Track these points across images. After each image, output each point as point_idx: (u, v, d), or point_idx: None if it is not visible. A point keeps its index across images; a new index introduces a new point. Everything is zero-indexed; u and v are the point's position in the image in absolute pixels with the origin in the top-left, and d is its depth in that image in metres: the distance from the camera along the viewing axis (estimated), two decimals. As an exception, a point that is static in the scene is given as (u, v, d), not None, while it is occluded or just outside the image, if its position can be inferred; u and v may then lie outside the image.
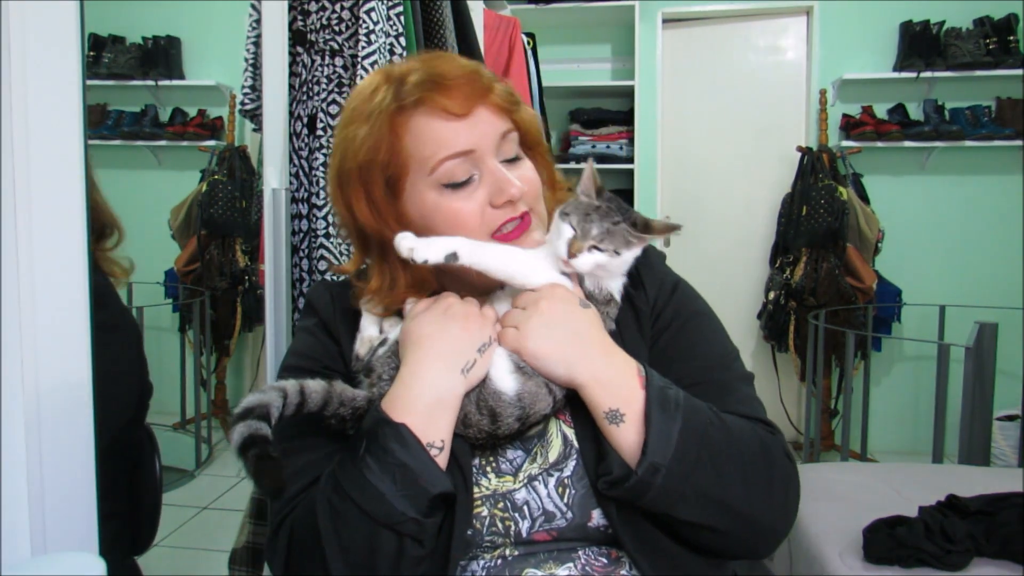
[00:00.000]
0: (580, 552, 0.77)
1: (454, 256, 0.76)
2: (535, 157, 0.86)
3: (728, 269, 3.75)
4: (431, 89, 0.77)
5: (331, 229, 1.37)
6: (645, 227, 0.78)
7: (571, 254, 0.76)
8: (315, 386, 0.74)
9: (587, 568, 0.75)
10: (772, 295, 3.45)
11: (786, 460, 0.76)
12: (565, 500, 0.76)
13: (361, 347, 0.82)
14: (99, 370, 0.80)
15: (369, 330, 0.83)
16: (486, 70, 0.82)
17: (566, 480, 0.76)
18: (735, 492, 0.71)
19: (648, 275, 0.86)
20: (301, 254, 1.39)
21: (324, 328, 0.87)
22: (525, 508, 0.76)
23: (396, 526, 0.67)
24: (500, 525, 0.75)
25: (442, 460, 0.71)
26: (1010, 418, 3.06)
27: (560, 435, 0.78)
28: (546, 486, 0.76)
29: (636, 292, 0.84)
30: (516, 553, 0.76)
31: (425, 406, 0.71)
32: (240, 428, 0.68)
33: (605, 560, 0.76)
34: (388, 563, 0.68)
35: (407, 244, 0.77)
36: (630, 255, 0.78)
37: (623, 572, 0.75)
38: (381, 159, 0.78)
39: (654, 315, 0.84)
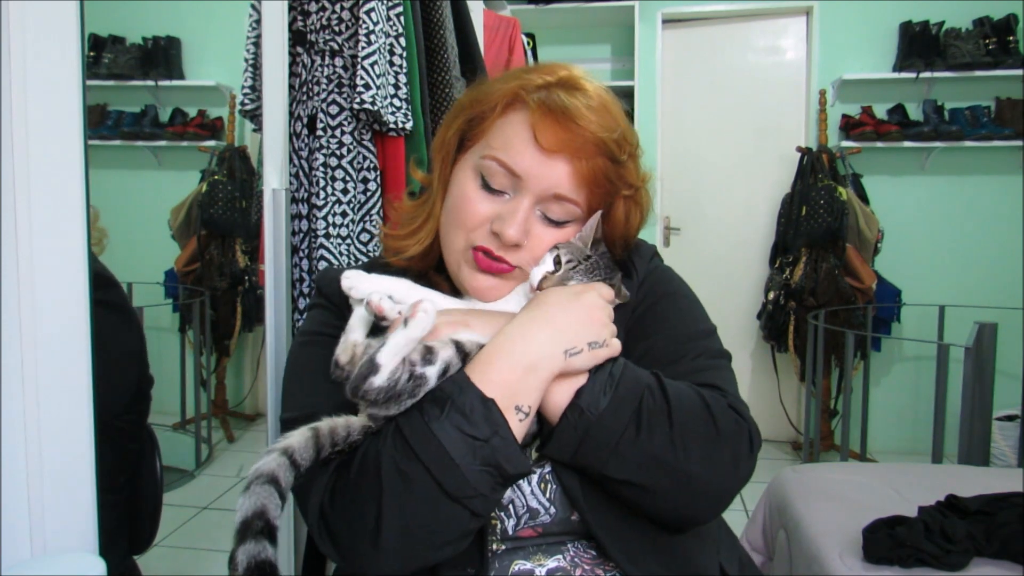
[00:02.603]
0: (568, 545, 0.77)
1: (390, 297, 0.76)
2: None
3: (728, 269, 3.76)
4: (545, 109, 0.76)
5: (331, 229, 1.37)
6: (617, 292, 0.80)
7: (540, 287, 0.77)
8: (299, 441, 0.68)
9: (576, 559, 0.76)
10: (772, 295, 3.45)
11: (733, 416, 0.74)
12: (547, 496, 0.76)
13: (343, 353, 0.75)
14: (96, 347, 0.79)
15: (354, 333, 0.77)
16: (616, 145, 0.78)
17: (547, 476, 0.76)
18: (673, 451, 0.70)
19: (639, 262, 0.88)
20: (301, 254, 1.39)
21: (334, 306, 0.86)
22: (510, 507, 0.76)
23: (465, 501, 0.65)
24: (487, 524, 0.76)
25: (524, 426, 0.69)
26: (1010, 418, 3.06)
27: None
28: (529, 483, 0.76)
29: (628, 280, 0.85)
30: (504, 547, 0.77)
31: (521, 366, 0.69)
32: (240, 556, 0.63)
33: (594, 553, 0.77)
34: (443, 533, 0.67)
35: (347, 283, 0.78)
36: None
37: (612, 564, 0.76)
38: (474, 111, 0.82)
39: (636, 296, 0.85)
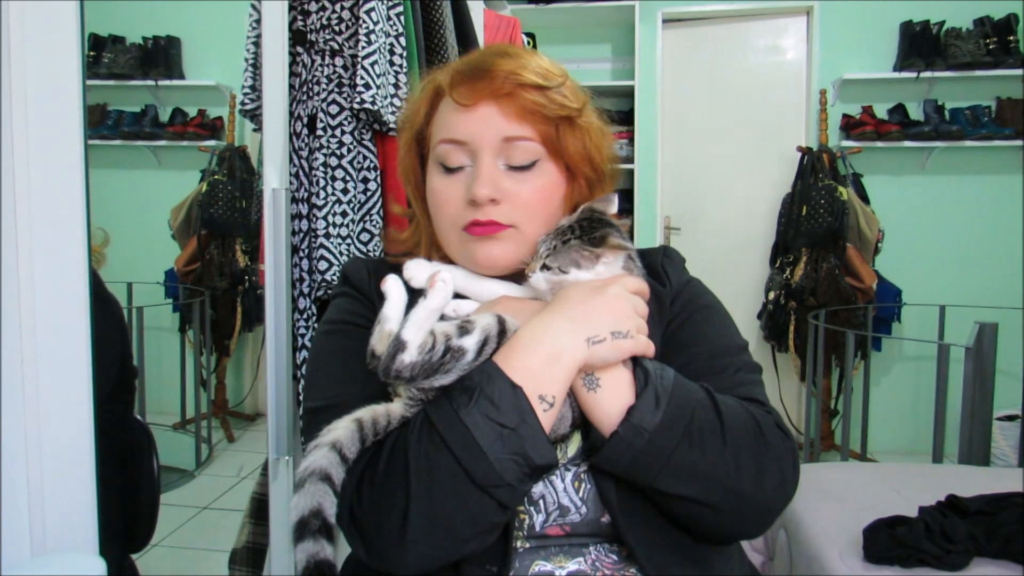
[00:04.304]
0: (591, 548, 0.77)
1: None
2: (573, 182, 0.84)
3: (728, 269, 3.75)
4: (457, 76, 0.80)
5: (331, 229, 1.37)
6: (601, 241, 0.77)
7: (526, 276, 0.78)
8: (345, 434, 0.68)
9: (597, 564, 0.76)
10: (772, 295, 3.45)
11: (780, 436, 0.75)
12: (580, 495, 0.76)
13: (379, 343, 0.73)
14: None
15: (390, 323, 0.75)
16: (535, 75, 0.79)
17: (582, 475, 0.76)
18: (723, 465, 0.70)
19: (672, 272, 0.88)
20: (301, 254, 1.38)
21: (362, 295, 0.87)
22: (541, 502, 0.76)
23: (491, 490, 0.66)
24: (515, 519, 0.76)
25: (550, 418, 0.70)
26: (1010, 418, 3.06)
27: (580, 430, 0.79)
28: (563, 480, 0.76)
29: (662, 288, 0.85)
30: (527, 546, 0.77)
31: (543, 354, 0.70)
32: (300, 555, 0.63)
33: (616, 557, 0.77)
34: (470, 525, 0.67)
35: (408, 273, 0.82)
36: (584, 274, 0.76)
37: (633, 570, 0.75)
38: (416, 126, 0.86)
39: (672, 308, 0.85)
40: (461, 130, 0.80)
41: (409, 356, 0.68)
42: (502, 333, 0.72)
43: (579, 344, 0.71)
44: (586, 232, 0.77)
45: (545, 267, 0.76)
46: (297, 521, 0.64)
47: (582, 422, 0.75)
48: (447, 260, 0.87)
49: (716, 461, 0.70)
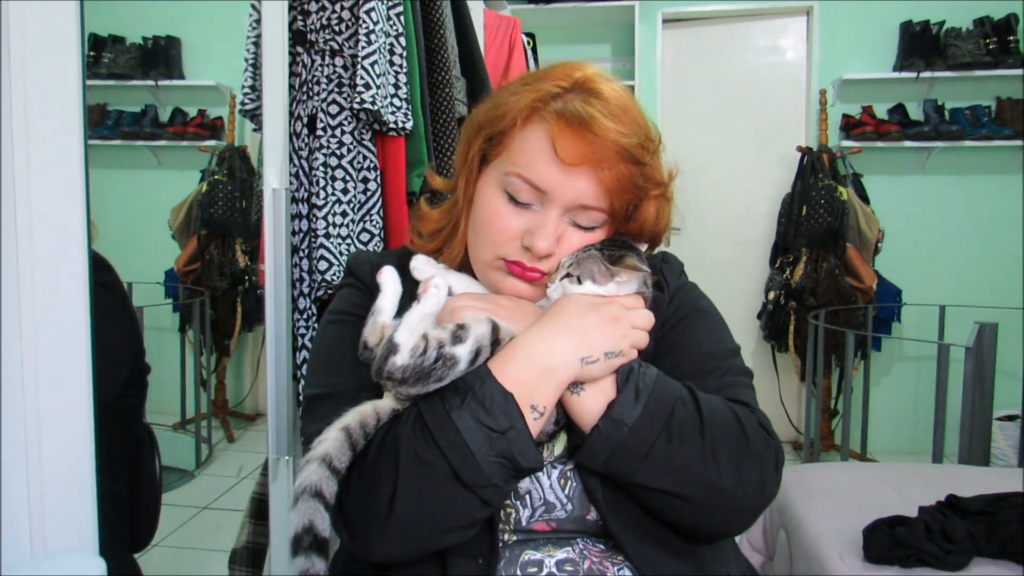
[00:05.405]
0: (578, 539, 0.78)
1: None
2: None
3: (728, 269, 3.76)
4: (562, 120, 0.76)
5: (331, 229, 1.37)
6: (619, 260, 0.77)
7: (546, 286, 0.79)
8: (334, 445, 0.69)
9: (585, 551, 0.77)
10: (772, 295, 3.45)
11: (763, 434, 0.75)
12: (566, 492, 0.77)
13: (371, 335, 0.76)
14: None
15: (383, 316, 0.77)
16: (638, 148, 0.76)
17: (568, 472, 0.77)
18: (702, 460, 0.71)
19: (670, 277, 0.89)
20: (301, 254, 1.38)
21: (364, 287, 0.88)
22: (527, 497, 0.77)
23: (478, 490, 0.68)
24: (501, 512, 0.77)
25: (539, 424, 0.72)
26: (1010, 418, 3.06)
27: (566, 429, 0.80)
28: (549, 477, 0.77)
29: (660, 294, 0.86)
30: (515, 539, 0.78)
31: (539, 367, 0.71)
32: (293, 569, 0.66)
33: (603, 546, 0.78)
34: (452, 520, 0.69)
35: (414, 263, 0.86)
36: (596, 288, 0.77)
37: (620, 558, 0.76)
38: (492, 129, 0.81)
39: (666, 311, 0.86)
40: (547, 182, 0.77)
41: (401, 359, 0.69)
42: (496, 342, 0.73)
43: (573, 363, 0.72)
44: (607, 249, 0.78)
45: (567, 276, 0.77)
46: (292, 538, 0.66)
47: (567, 421, 0.76)
48: (463, 260, 0.88)
49: (695, 455, 0.71)
